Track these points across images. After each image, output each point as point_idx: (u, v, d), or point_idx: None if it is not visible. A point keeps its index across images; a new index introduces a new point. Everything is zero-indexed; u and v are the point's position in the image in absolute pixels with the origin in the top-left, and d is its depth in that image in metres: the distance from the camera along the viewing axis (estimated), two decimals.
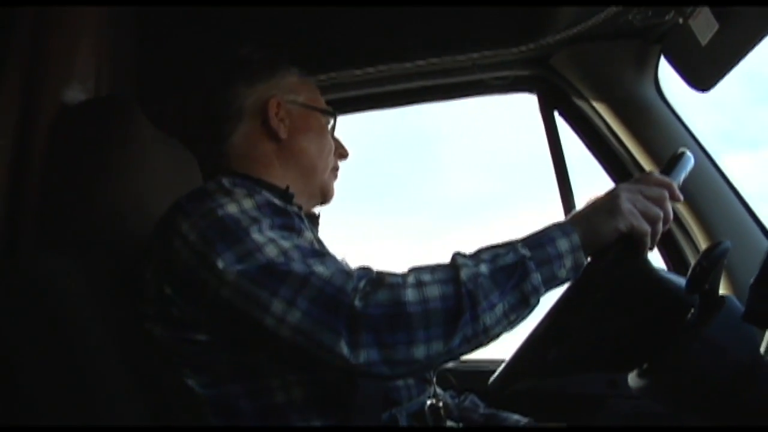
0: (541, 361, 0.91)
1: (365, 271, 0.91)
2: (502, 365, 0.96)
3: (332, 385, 0.99)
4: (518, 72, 1.70)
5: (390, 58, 1.68)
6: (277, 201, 1.04)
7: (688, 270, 0.94)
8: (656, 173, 0.98)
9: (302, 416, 0.97)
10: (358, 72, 1.71)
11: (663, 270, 0.97)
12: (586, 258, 0.92)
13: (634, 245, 0.92)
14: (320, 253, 0.94)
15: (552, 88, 1.69)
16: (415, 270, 0.90)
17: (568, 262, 0.90)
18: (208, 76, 1.25)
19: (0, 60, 1.21)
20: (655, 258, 1.21)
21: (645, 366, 0.94)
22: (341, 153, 1.29)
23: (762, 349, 0.92)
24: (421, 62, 1.69)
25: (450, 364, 1.70)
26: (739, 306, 0.91)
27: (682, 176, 0.98)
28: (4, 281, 0.98)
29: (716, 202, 1.49)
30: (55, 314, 0.95)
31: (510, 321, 0.88)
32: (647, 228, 0.92)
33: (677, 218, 1.46)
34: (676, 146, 1.08)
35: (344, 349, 0.84)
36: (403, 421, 1.02)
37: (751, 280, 0.79)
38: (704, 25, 1.31)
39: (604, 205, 0.93)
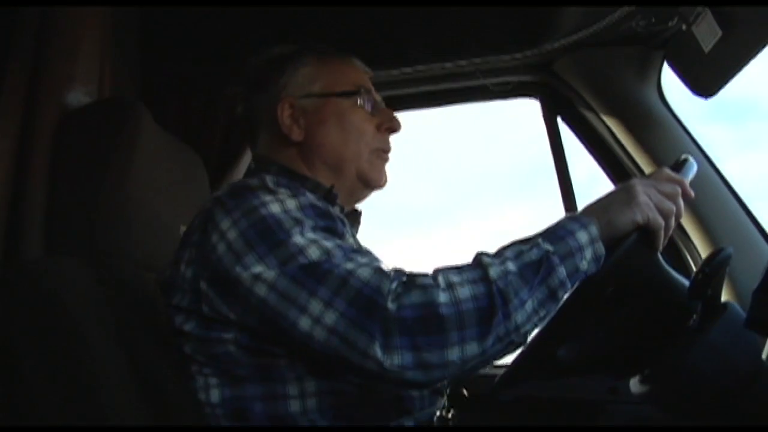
0: (550, 358, 0.90)
1: (398, 273, 0.89)
2: (506, 368, 0.95)
3: (349, 395, 0.97)
4: (521, 77, 1.70)
5: (392, 62, 1.68)
6: (320, 203, 1.01)
7: (689, 276, 0.94)
8: (668, 170, 0.98)
9: (312, 423, 0.95)
10: None
11: (671, 270, 0.97)
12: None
13: (649, 238, 0.92)
14: (361, 252, 0.93)
15: (555, 94, 1.69)
16: (441, 271, 0.89)
17: (588, 254, 0.90)
18: (211, 81, 1.23)
19: (3, 62, 1.21)
20: None
21: (646, 372, 0.94)
22: (388, 128, 1.19)
23: (764, 356, 0.92)
24: (423, 67, 1.69)
25: None
26: (741, 313, 0.91)
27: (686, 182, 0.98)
28: (8, 285, 0.98)
29: (718, 208, 1.49)
30: (59, 317, 0.94)
31: (540, 317, 0.87)
32: (662, 221, 0.92)
33: (679, 225, 1.45)
34: (679, 152, 1.08)
35: (378, 352, 0.83)
36: None
37: (754, 287, 0.79)
38: (707, 31, 1.31)
39: (620, 197, 0.93)
